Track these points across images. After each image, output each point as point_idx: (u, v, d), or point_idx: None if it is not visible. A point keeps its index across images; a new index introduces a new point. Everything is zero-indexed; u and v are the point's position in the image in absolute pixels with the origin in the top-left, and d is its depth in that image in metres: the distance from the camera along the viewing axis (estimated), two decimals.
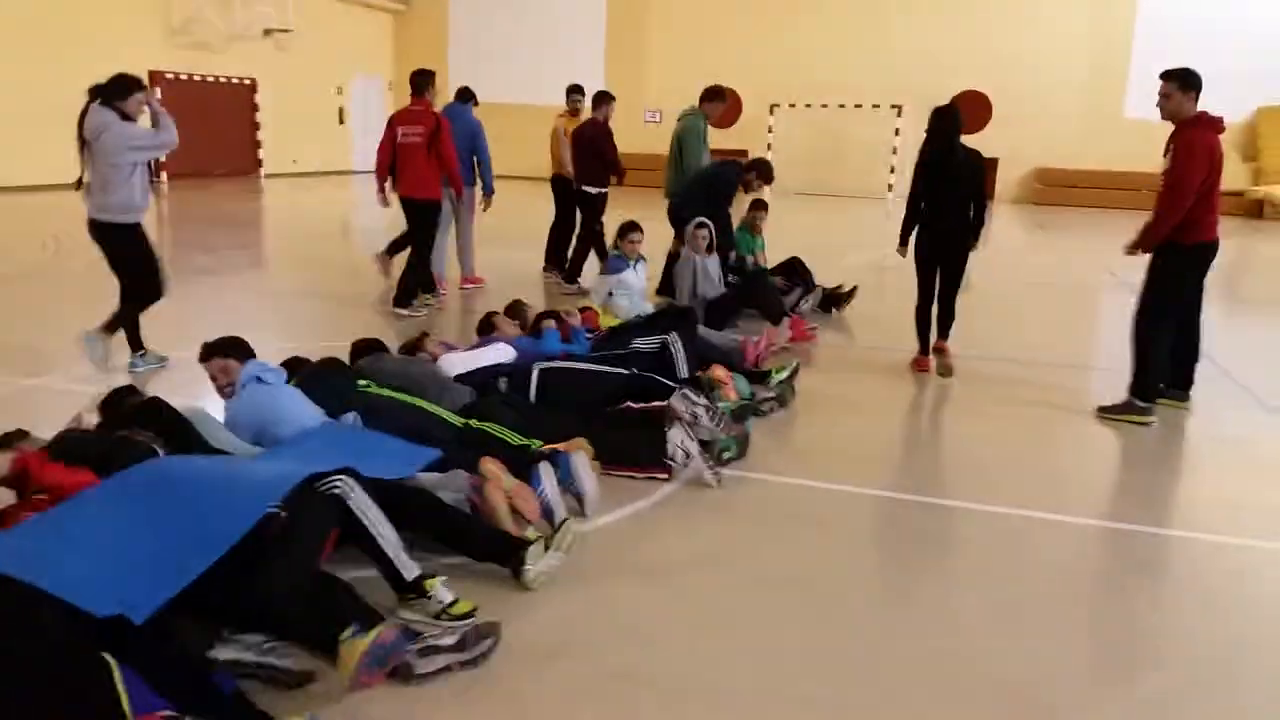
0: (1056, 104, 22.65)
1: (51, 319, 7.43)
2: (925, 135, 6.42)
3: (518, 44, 25.50)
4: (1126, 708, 2.83)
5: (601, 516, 3.94)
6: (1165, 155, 5.41)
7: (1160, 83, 5.39)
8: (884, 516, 4.29)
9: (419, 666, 2.75)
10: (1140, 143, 22.13)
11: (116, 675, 2.28)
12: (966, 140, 6.40)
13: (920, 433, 5.77)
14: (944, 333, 6.60)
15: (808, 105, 23.26)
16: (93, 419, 3.93)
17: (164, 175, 20.25)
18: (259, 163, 23.23)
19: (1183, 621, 3.38)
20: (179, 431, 3.70)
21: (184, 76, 20.64)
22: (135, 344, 6.12)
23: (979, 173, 6.43)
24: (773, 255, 9.11)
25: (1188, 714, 2.82)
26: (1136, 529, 4.13)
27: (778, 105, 23.18)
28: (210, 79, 21.39)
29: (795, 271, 8.76)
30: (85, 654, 2.33)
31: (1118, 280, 11.46)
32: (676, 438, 4.27)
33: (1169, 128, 5.43)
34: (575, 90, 10.22)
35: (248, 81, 22.54)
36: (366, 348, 5.16)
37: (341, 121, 25.63)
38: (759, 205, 9.02)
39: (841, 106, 23.09)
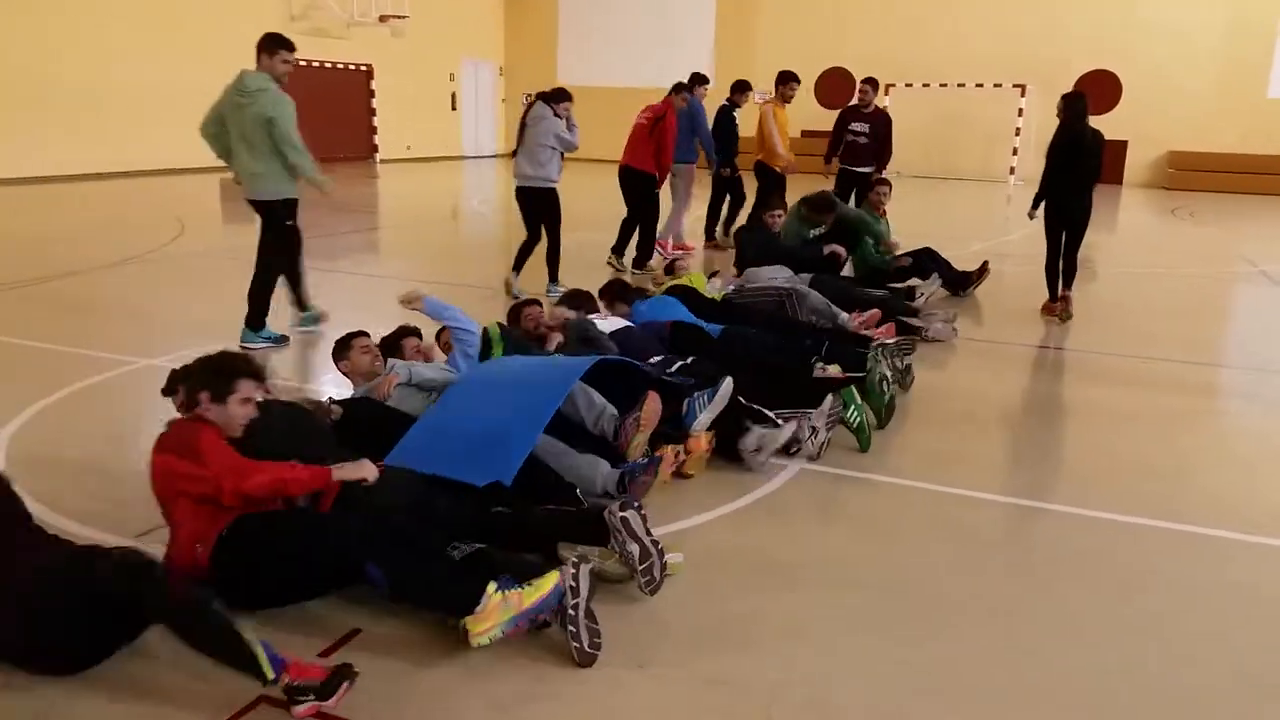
0: (1191, 83, 21.37)
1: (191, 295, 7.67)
2: (1058, 120, 7.30)
3: (627, 26, 25.42)
4: None
5: (705, 512, 3.83)
6: None
7: None
8: (1002, 522, 4.06)
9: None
10: None
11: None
12: (1092, 121, 7.24)
13: (1044, 434, 5.43)
14: (1068, 283, 7.63)
15: (925, 85, 22.59)
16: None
17: None
18: (374, 148, 23.75)
19: None
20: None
21: (303, 63, 21.16)
22: (554, 276, 7.96)
23: (1099, 151, 7.32)
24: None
25: None
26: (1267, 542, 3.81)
27: (893, 85, 22.55)
28: (329, 65, 21.92)
29: (928, 263, 8.30)
30: None
31: (1256, 270, 10.80)
32: (821, 420, 4.37)
33: None
34: (791, 78, 10.51)
35: (364, 67, 23.03)
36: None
37: (454, 107, 25.98)
38: (882, 182, 8.60)
39: (961, 86, 22.35)
